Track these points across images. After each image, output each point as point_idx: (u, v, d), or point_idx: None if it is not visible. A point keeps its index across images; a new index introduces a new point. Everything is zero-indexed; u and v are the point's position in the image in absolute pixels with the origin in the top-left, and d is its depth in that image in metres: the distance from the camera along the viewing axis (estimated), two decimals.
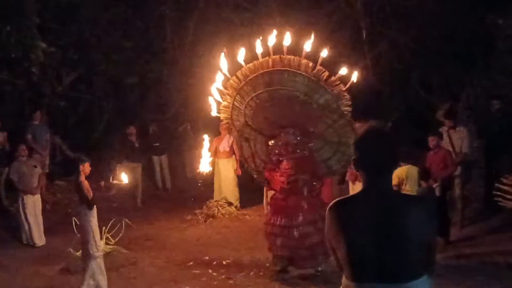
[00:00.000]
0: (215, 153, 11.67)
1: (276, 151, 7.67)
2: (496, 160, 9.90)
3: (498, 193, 7.70)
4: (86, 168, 7.36)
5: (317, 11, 14.31)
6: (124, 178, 8.06)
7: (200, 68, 12.47)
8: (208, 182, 12.24)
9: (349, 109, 7.50)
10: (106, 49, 13.09)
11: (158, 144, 13.77)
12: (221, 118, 8.18)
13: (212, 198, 11.97)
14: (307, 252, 7.52)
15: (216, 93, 7.84)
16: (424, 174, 8.43)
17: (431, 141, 9.20)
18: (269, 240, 7.81)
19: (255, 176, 8.44)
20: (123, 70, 13.57)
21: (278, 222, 7.54)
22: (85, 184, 7.28)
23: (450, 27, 12.90)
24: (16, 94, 12.49)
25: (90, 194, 7.24)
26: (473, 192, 10.56)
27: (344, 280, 2.88)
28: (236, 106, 7.83)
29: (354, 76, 7.52)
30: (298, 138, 7.55)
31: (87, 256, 7.27)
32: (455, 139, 9.74)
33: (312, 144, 7.67)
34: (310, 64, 7.22)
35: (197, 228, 10.85)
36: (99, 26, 12.83)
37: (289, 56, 7.27)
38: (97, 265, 7.30)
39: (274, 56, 7.28)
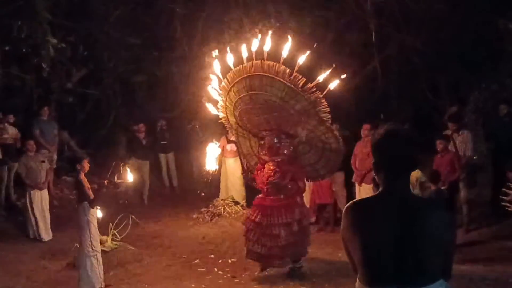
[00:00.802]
0: (222, 152, 11.69)
1: (263, 152, 7.88)
2: (504, 164, 9.87)
3: (506, 198, 7.68)
4: (84, 165, 7.37)
5: (326, 12, 14.30)
6: (129, 177, 8.06)
7: (208, 67, 12.49)
8: (215, 180, 12.25)
9: (328, 115, 7.53)
10: (115, 46, 13.12)
11: (165, 142, 13.81)
12: (220, 117, 8.31)
13: (219, 197, 12.00)
14: (278, 251, 7.63)
15: (214, 92, 8.00)
16: (434, 177, 8.42)
17: (439, 144, 9.23)
18: (245, 235, 7.93)
19: (243, 174, 8.58)
20: (131, 68, 13.60)
21: (254, 218, 7.72)
22: (85, 182, 7.28)
23: (460, 31, 12.88)
24: (26, 90, 12.53)
25: (90, 192, 7.22)
26: (480, 196, 10.54)
27: (358, 284, 2.83)
28: (228, 106, 7.99)
29: (333, 84, 7.50)
30: (281, 141, 7.68)
31: (81, 255, 7.25)
32: (459, 143, 9.72)
33: (292, 148, 7.73)
34: (288, 70, 7.25)
35: (203, 227, 10.87)
36: (109, 23, 12.86)
37: (268, 62, 7.32)
38: (91, 263, 7.25)
39: (256, 61, 7.35)
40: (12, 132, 10.93)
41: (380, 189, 2.84)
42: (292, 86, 7.24)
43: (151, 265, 8.56)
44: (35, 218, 9.96)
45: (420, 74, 14.21)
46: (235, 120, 8.10)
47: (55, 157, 11.80)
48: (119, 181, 8.16)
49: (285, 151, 7.67)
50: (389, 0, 12.94)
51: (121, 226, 9.22)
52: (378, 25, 13.38)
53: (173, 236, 10.36)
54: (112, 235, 9.02)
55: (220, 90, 7.86)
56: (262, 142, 7.89)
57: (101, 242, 8.84)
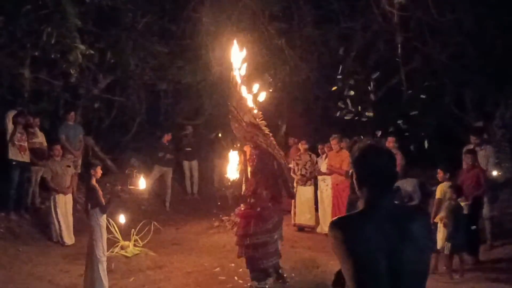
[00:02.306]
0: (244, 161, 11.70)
1: None
2: None
3: None
4: (97, 172, 7.44)
5: (353, 24, 14.32)
6: (141, 184, 8.11)
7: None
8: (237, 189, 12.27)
9: (267, 129, 7.56)
10: (142, 54, 13.26)
11: (190, 149, 13.90)
12: None
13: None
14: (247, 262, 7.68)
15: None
16: (457, 191, 8.34)
17: (466, 158, 9.11)
18: None
19: None
20: (157, 75, 13.73)
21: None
22: (97, 188, 7.32)
23: (487, 46, 12.78)
24: (53, 94, 12.72)
25: (102, 198, 7.25)
26: (505, 213, 10.40)
27: None
28: None
29: (262, 96, 7.61)
30: (253, 151, 7.71)
31: (94, 259, 7.21)
32: (480, 157, 9.61)
33: (256, 161, 7.70)
34: (238, 82, 7.40)
35: (224, 235, 10.87)
36: (136, 31, 13.00)
37: (233, 74, 7.48)
38: (103, 267, 7.27)
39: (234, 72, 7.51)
40: (40, 135, 11.07)
41: (363, 204, 2.82)
42: (239, 97, 7.42)
43: (171, 272, 8.58)
44: (59, 222, 10.06)
45: (446, 88, 14.11)
46: None
47: (79, 162, 11.90)
48: (131, 187, 8.21)
49: (252, 163, 7.74)
50: (416, 13, 12.89)
51: (143, 232, 9.28)
52: (404, 38, 13.33)
53: (194, 243, 10.38)
54: (134, 241, 9.10)
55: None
56: None
57: (123, 248, 8.94)
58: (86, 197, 7.56)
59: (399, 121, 14.66)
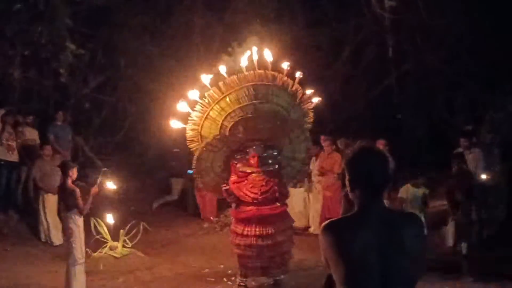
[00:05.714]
0: None
1: (241, 164, 7.76)
2: None
3: None
4: (73, 173, 7.32)
5: (344, 26, 14.34)
6: (109, 184, 8.04)
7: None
8: None
9: (310, 125, 7.97)
10: (133, 54, 13.22)
11: (178, 150, 13.82)
12: (187, 129, 7.85)
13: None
14: (280, 259, 7.74)
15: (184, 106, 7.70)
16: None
17: (454, 162, 9.11)
18: (241, 255, 7.80)
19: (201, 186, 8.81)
20: (148, 76, 13.69)
21: (252, 232, 7.60)
22: (77, 190, 7.19)
23: (478, 50, 12.82)
24: (43, 94, 12.66)
25: (80, 200, 7.12)
26: (493, 216, 10.43)
27: None
28: (211, 117, 7.72)
29: (315, 100, 7.89)
30: (269, 152, 7.73)
31: (72, 261, 7.08)
32: (469, 161, 9.63)
33: (280, 157, 7.84)
34: (290, 81, 7.66)
35: (214, 236, 10.87)
36: (127, 31, 12.96)
37: (273, 72, 7.60)
38: (81, 270, 7.15)
39: (260, 71, 7.57)
40: (31, 133, 11.01)
41: (356, 206, 2.80)
42: (294, 97, 7.72)
43: (160, 273, 8.57)
44: (47, 222, 10.02)
45: (437, 92, 14.15)
46: (217, 131, 7.76)
47: None
48: (101, 185, 8.19)
49: (273, 161, 7.75)
50: (407, 16, 12.93)
51: (132, 233, 9.25)
52: (396, 41, 13.37)
53: (183, 244, 10.37)
54: (123, 242, 9.07)
55: (204, 99, 7.62)
56: (240, 156, 7.76)
57: (112, 248, 8.90)
58: (62, 199, 7.44)
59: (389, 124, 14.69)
